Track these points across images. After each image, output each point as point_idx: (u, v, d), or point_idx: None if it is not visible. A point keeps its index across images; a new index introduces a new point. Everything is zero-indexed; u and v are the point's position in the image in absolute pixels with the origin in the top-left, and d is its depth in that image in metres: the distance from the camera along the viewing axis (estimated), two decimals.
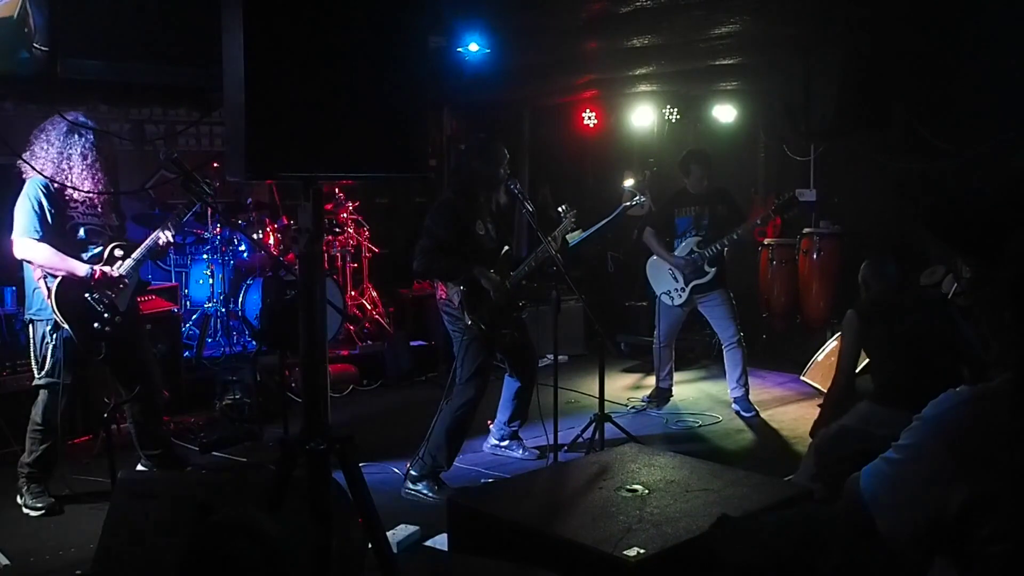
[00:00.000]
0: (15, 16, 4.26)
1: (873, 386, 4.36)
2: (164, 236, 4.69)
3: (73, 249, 4.49)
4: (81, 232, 4.54)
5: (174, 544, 3.15)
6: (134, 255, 4.65)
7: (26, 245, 4.39)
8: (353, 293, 8.01)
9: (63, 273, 4.43)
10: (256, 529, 1.79)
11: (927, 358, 4.13)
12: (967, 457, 1.62)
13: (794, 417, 6.29)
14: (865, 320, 4.38)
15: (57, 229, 4.45)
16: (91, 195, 4.53)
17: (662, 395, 6.67)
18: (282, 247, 7.34)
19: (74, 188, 4.44)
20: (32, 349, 4.57)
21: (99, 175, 4.53)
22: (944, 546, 1.69)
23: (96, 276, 4.50)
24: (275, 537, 1.79)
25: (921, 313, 4.29)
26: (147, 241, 4.67)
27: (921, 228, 6.98)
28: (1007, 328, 1.66)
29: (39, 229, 4.38)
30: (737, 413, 6.33)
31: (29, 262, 4.45)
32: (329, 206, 7.61)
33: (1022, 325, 1.64)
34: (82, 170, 4.46)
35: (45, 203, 4.40)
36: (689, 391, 7.08)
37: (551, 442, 5.02)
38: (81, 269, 4.47)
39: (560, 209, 5.29)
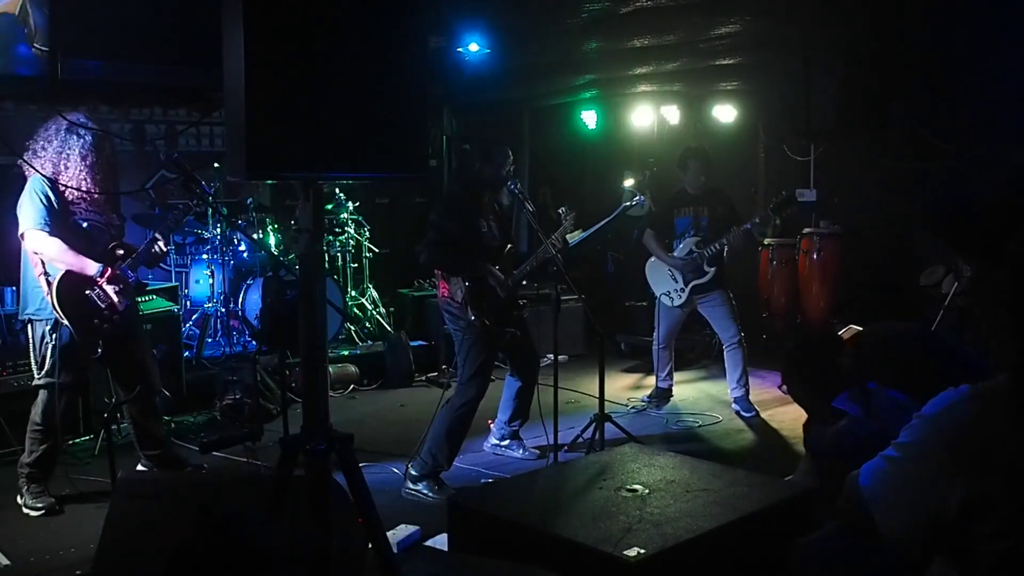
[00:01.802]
0: (16, 12, 4.27)
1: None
2: (158, 247, 4.69)
3: (78, 245, 4.49)
4: (84, 227, 4.55)
5: (174, 545, 3.15)
6: (136, 254, 4.65)
7: (38, 238, 4.39)
8: (353, 293, 8.01)
9: (73, 268, 4.43)
10: (247, 529, 1.79)
11: (922, 360, 4.12)
12: (966, 455, 1.62)
13: (794, 417, 6.28)
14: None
15: (62, 223, 4.45)
16: (91, 195, 4.54)
17: (662, 395, 6.67)
18: (282, 247, 7.35)
19: (73, 188, 4.44)
20: (31, 349, 4.57)
21: (98, 175, 4.53)
22: (943, 544, 1.69)
23: (106, 275, 4.51)
24: (267, 537, 1.79)
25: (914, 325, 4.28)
26: (143, 247, 4.67)
27: (921, 227, 6.99)
28: (1005, 327, 1.66)
29: (48, 222, 4.39)
30: (737, 413, 6.33)
31: (38, 253, 4.44)
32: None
33: (1020, 324, 1.64)
34: (81, 170, 4.47)
35: (52, 196, 4.41)
36: (689, 391, 7.08)
37: (551, 442, 5.02)
38: (92, 267, 4.48)
39: (560, 210, 5.29)
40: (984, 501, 1.60)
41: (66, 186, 4.44)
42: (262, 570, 1.74)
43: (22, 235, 4.42)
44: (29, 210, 4.39)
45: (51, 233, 4.39)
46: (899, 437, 1.76)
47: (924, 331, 4.14)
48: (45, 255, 4.42)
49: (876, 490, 1.77)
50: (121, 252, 4.64)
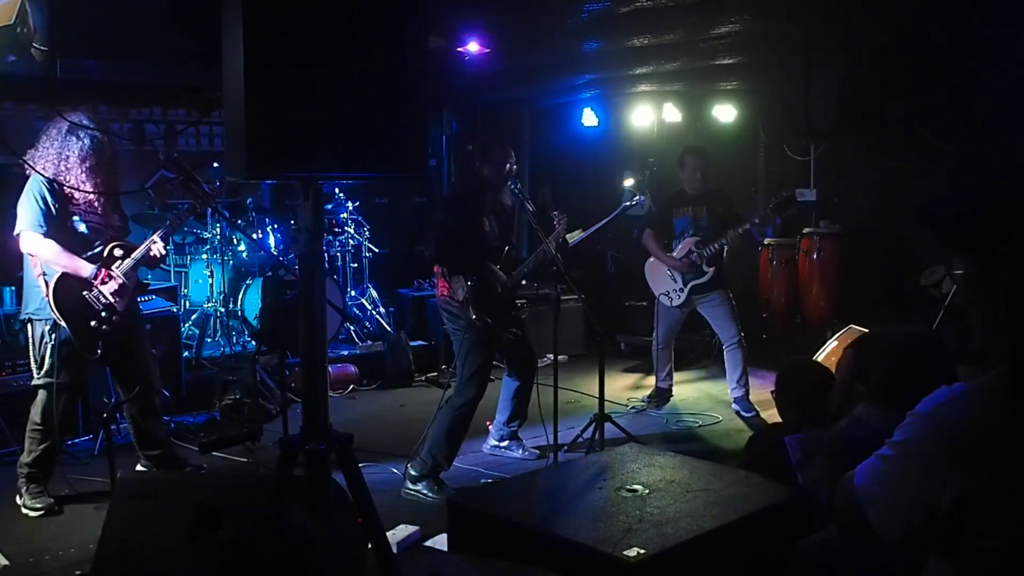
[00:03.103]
0: (12, 22, 4.26)
1: (870, 389, 4.35)
2: (156, 248, 4.69)
3: (75, 246, 4.50)
4: (83, 229, 4.55)
5: (174, 545, 3.15)
6: (133, 255, 4.65)
7: (33, 239, 4.39)
8: (353, 293, 8.01)
9: (67, 270, 4.44)
10: (298, 531, 1.80)
11: (924, 359, 4.12)
12: (959, 452, 1.63)
13: None
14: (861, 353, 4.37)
15: (60, 225, 4.45)
16: (90, 195, 4.54)
17: (662, 395, 6.67)
18: (282, 247, 7.35)
19: (73, 188, 4.44)
20: (31, 349, 4.57)
21: (98, 176, 4.53)
22: (938, 541, 1.70)
23: (100, 276, 4.51)
24: (316, 541, 1.80)
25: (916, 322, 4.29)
26: (140, 249, 4.67)
27: (920, 227, 6.98)
28: (1001, 327, 1.66)
29: (43, 224, 4.39)
30: (737, 413, 6.33)
31: (33, 256, 4.45)
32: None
33: (1015, 325, 1.64)
34: (80, 171, 4.47)
35: (49, 198, 4.41)
36: (689, 391, 7.08)
37: (551, 442, 5.01)
38: (86, 269, 4.48)
39: (553, 214, 5.30)
40: (977, 498, 1.61)
41: (66, 186, 4.44)
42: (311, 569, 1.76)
43: (17, 235, 4.43)
44: (25, 211, 4.39)
45: (47, 235, 4.39)
46: (893, 435, 1.76)
47: (929, 337, 4.13)
48: (40, 257, 4.43)
49: (870, 488, 1.77)
50: (120, 253, 4.64)
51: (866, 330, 5.34)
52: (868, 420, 4.09)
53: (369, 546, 2.62)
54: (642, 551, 2.82)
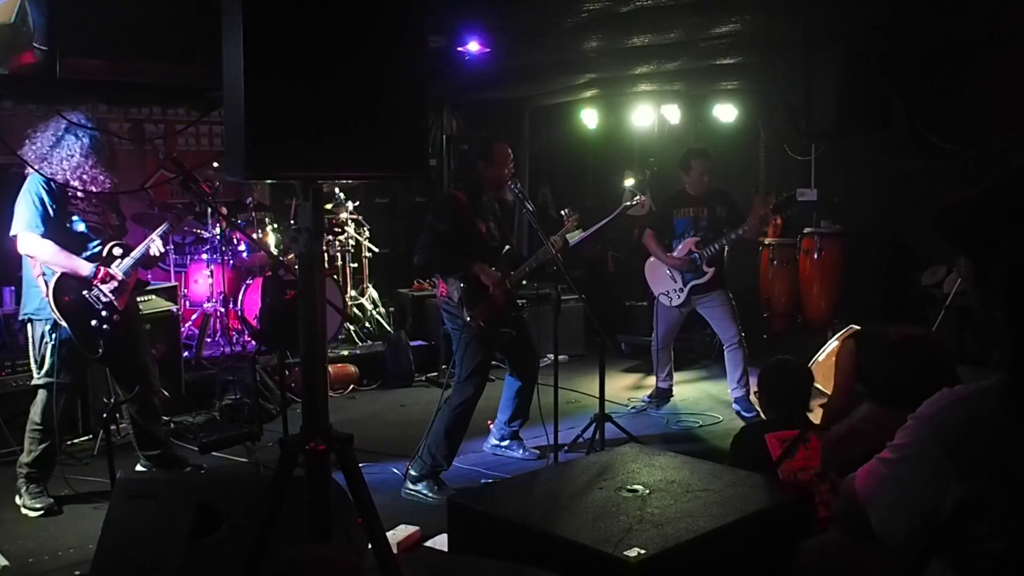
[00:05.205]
0: (12, 20, 4.26)
1: (871, 389, 4.35)
2: (154, 248, 4.68)
3: (74, 246, 4.50)
4: (82, 228, 4.55)
5: (173, 545, 3.14)
6: (132, 254, 4.65)
7: (30, 240, 4.39)
8: (353, 293, 8.01)
9: (66, 270, 4.43)
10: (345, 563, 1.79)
11: (925, 358, 4.12)
12: (961, 456, 1.62)
13: None
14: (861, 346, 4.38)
15: (58, 225, 4.45)
16: (89, 195, 4.53)
17: (662, 395, 6.67)
18: (282, 247, 7.34)
19: (71, 187, 4.44)
20: (31, 349, 4.56)
21: (96, 174, 4.52)
22: (940, 545, 1.69)
23: (100, 275, 4.51)
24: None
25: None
26: (139, 248, 4.66)
27: (922, 226, 6.97)
28: (1000, 327, 1.65)
29: (41, 224, 4.38)
30: (738, 413, 6.33)
31: (32, 257, 4.45)
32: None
33: (1014, 324, 1.63)
34: (80, 170, 4.46)
35: (46, 198, 4.41)
36: (689, 391, 7.07)
37: (551, 442, 5.02)
38: (85, 268, 4.48)
39: (563, 212, 5.30)
40: (979, 501, 1.60)
41: (65, 186, 4.43)
42: None
43: (14, 236, 4.42)
44: (22, 212, 4.39)
45: (44, 235, 4.39)
46: (895, 438, 1.75)
47: (929, 336, 4.13)
48: (38, 258, 4.43)
49: (872, 491, 1.77)
50: (119, 252, 4.64)
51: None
52: (868, 421, 4.08)
53: (369, 546, 2.62)
54: (642, 551, 2.81)
